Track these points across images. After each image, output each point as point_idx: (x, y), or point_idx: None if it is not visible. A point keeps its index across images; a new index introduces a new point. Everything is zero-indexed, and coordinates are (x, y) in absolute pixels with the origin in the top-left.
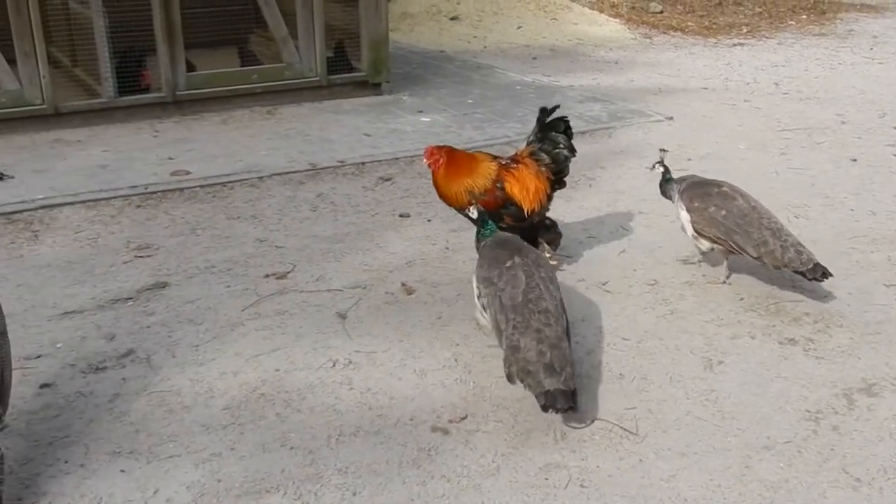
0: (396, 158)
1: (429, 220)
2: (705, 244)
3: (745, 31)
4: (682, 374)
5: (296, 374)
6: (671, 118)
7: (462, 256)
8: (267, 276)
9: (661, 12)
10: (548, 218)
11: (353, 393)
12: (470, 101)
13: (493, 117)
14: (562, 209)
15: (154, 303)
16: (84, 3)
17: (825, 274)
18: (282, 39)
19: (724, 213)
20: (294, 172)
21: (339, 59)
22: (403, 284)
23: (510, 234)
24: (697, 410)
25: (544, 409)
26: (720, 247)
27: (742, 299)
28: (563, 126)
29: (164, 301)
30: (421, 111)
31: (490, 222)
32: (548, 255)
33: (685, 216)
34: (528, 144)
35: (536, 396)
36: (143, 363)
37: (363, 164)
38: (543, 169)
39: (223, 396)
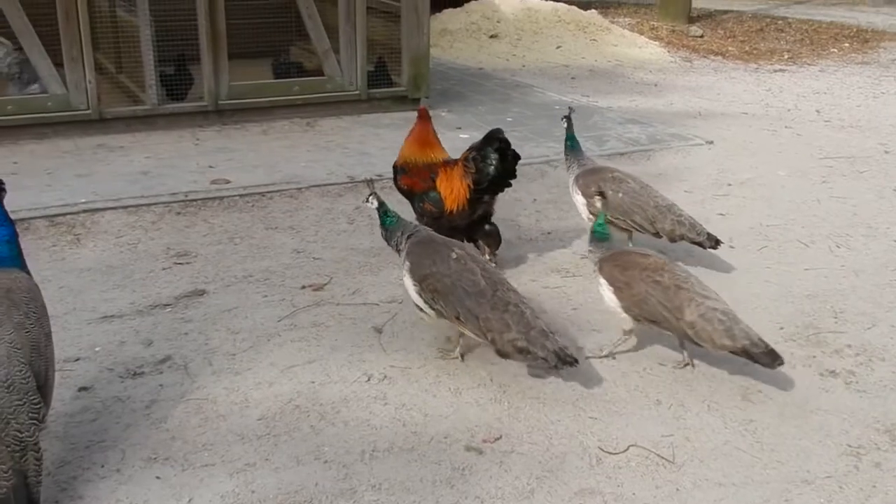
0: None
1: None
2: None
3: (786, 57)
4: (719, 403)
5: (331, 386)
6: (711, 142)
7: None
8: (304, 287)
9: (702, 36)
10: (490, 222)
11: (387, 408)
12: (508, 118)
13: (531, 136)
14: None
15: (192, 310)
16: (131, 12)
17: (718, 242)
18: (324, 53)
19: (620, 195)
20: (332, 185)
21: (380, 74)
22: None
23: (428, 233)
24: (736, 440)
25: (556, 367)
26: (618, 227)
27: (782, 328)
28: (497, 145)
29: (202, 308)
30: (459, 127)
31: (391, 212)
32: (487, 257)
33: (580, 200)
34: (469, 150)
35: (545, 359)
36: (181, 370)
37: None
38: (468, 178)
39: (258, 406)
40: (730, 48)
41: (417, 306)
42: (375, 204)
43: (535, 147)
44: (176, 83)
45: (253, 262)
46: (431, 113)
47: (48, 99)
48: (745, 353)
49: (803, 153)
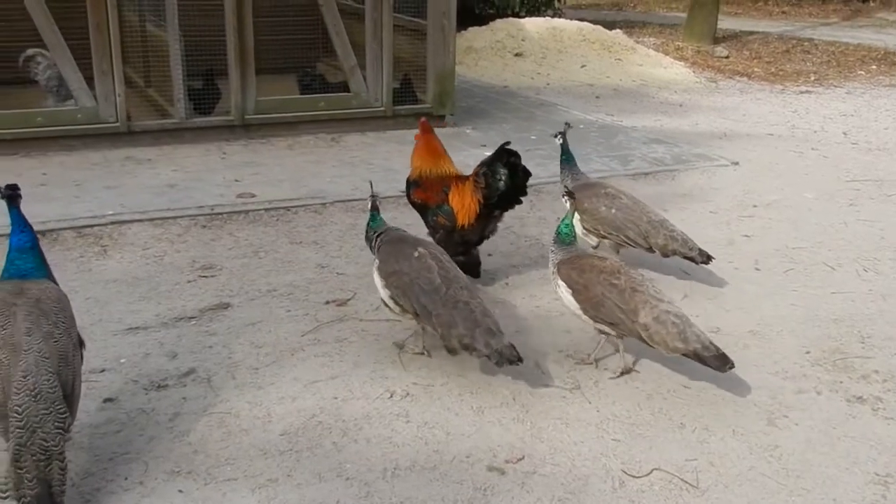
0: None
1: (489, 255)
2: (593, 240)
3: (812, 78)
4: (744, 428)
5: (353, 402)
6: (736, 163)
7: (522, 293)
8: (327, 302)
9: (727, 57)
10: (475, 249)
11: (409, 426)
12: (533, 136)
13: (556, 154)
14: (624, 251)
15: (216, 323)
16: (161, 27)
17: (709, 257)
18: (350, 69)
19: (613, 210)
20: (357, 200)
21: (405, 91)
22: None
23: (402, 233)
24: (761, 466)
25: (499, 364)
26: (610, 241)
27: (808, 353)
28: (507, 159)
29: (226, 322)
30: (484, 145)
31: (379, 216)
32: None
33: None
34: (479, 165)
35: (488, 356)
36: (204, 383)
37: None
38: (479, 193)
39: (281, 421)
40: (755, 69)
41: (384, 301)
42: (370, 205)
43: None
44: (204, 97)
45: (277, 277)
46: (456, 130)
47: (78, 111)
48: (697, 356)
49: (830, 175)
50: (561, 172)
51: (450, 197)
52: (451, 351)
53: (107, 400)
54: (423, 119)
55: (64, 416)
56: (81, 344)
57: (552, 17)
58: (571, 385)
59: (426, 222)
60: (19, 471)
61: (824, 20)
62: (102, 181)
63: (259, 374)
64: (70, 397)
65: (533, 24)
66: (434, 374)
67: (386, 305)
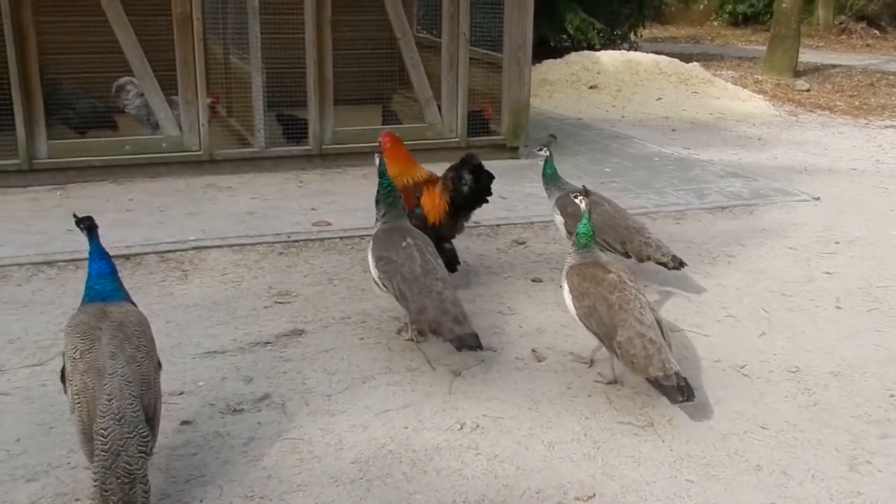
0: (531, 222)
1: (561, 287)
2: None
3: None
4: (824, 472)
5: (424, 433)
6: (818, 199)
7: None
8: (399, 331)
9: (809, 90)
10: (449, 241)
11: (479, 458)
12: (607, 169)
13: (630, 187)
14: (700, 285)
15: (291, 349)
16: (244, 59)
17: (682, 263)
18: (426, 101)
19: (594, 216)
20: None
21: (478, 122)
22: (534, 351)
23: (401, 223)
24: None
25: (458, 349)
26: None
27: (893, 396)
28: (470, 168)
29: (301, 348)
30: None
31: (387, 176)
32: None
33: (560, 220)
34: (448, 170)
35: (451, 341)
36: (278, 408)
37: (497, 226)
38: (447, 195)
39: (352, 449)
40: (838, 103)
41: (374, 280)
42: (376, 161)
43: (634, 198)
44: (293, 127)
45: (351, 304)
46: (529, 161)
47: (163, 140)
48: (657, 383)
49: None
50: (546, 186)
51: (422, 200)
52: (421, 333)
53: (184, 422)
54: (385, 131)
55: (147, 439)
56: (159, 366)
57: (628, 50)
58: (644, 422)
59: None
60: (105, 493)
61: None
62: (185, 207)
63: (331, 401)
64: (152, 420)
65: (609, 57)
66: (505, 407)
67: (375, 284)
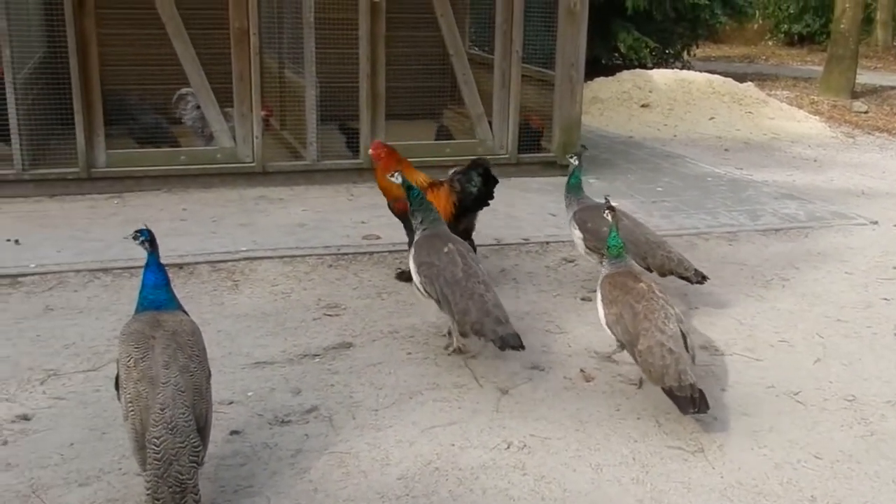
0: None
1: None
2: (595, 258)
3: None
4: None
5: (470, 451)
6: (875, 223)
7: None
8: (447, 347)
9: (866, 112)
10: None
11: (526, 479)
12: (659, 188)
13: (682, 207)
14: (752, 308)
15: (339, 362)
16: (299, 73)
17: (704, 277)
18: (477, 117)
19: None
20: (479, 245)
21: (530, 138)
22: (582, 371)
23: (441, 229)
24: None
25: (502, 348)
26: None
27: None
28: (481, 170)
29: (348, 361)
30: (608, 195)
31: (415, 187)
32: None
33: (578, 235)
34: (453, 173)
35: (493, 341)
36: (326, 421)
37: (547, 243)
38: (454, 196)
39: (398, 465)
40: None
41: (415, 286)
42: (399, 179)
43: (686, 218)
44: (352, 138)
45: (399, 319)
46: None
47: (217, 151)
48: (670, 393)
49: None
50: (566, 197)
51: None
52: (464, 334)
53: (233, 432)
54: (376, 140)
55: (198, 449)
56: (209, 375)
57: (681, 68)
58: (694, 448)
59: (407, 228)
60: (156, 501)
61: None
62: (237, 218)
63: (378, 415)
64: (203, 430)
65: (661, 76)
66: (552, 427)
67: (417, 290)
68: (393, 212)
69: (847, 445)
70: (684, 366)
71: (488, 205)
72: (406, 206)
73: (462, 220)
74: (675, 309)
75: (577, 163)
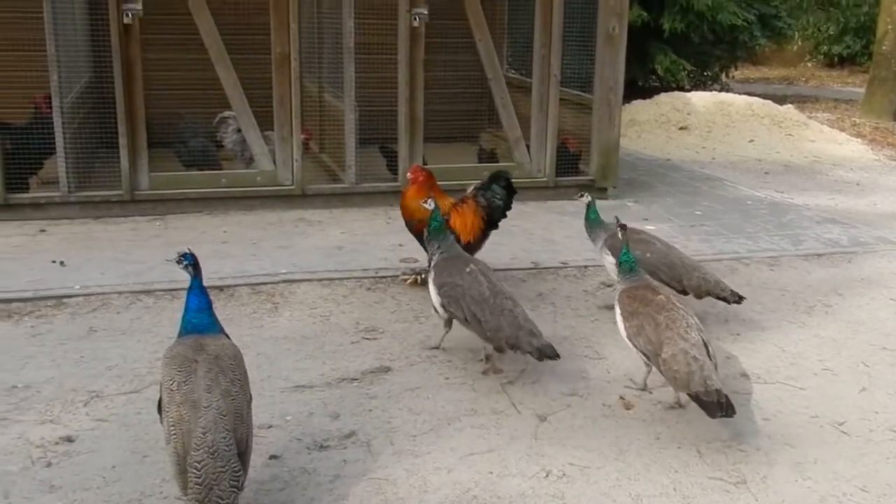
0: None
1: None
2: None
3: None
4: None
5: (509, 479)
6: None
7: None
8: (484, 372)
9: None
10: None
11: None
12: (698, 212)
13: (722, 231)
14: (795, 335)
15: (377, 386)
16: (338, 98)
17: (741, 297)
18: (515, 140)
19: (648, 255)
20: (516, 269)
21: (568, 161)
22: (622, 398)
23: (459, 252)
24: None
25: (539, 359)
26: None
27: None
28: (504, 182)
29: (387, 385)
30: (646, 219)
31: (439, 216)
32: None
33: (610, 260)
34: (474, 189)
35: (531, 353)
36: (364, 447)
37: (586, 267)
38: (481, 211)
39: (436, 493)
40: None
41: (434, 307)
42: (432, 206)
43: (726, 243)
44: (393, 160)
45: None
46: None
47: (258, 174)
48: (697, 398)
49: None
50: (591, 229)
51: (451, 221)
52: (499, 350)
53: (272, 457)
54: (414, 166)
55: (238, 473)
56: (250, 399)
57: (719, 91)
58: (737, 479)
59: (423, 246)
60: None
61: None
62: (276, 241)
63: (416, 441)
64: (244, 454)
65: (699, 98)
66: (591, 456)
67: (435, 311)
68: (410, 230)
69: (894, 478)
70: (709, 372)
71: (506, 216)
72: (423, 227)
73: (488, 234)
74: (695, 319)
75: (589, 199)
